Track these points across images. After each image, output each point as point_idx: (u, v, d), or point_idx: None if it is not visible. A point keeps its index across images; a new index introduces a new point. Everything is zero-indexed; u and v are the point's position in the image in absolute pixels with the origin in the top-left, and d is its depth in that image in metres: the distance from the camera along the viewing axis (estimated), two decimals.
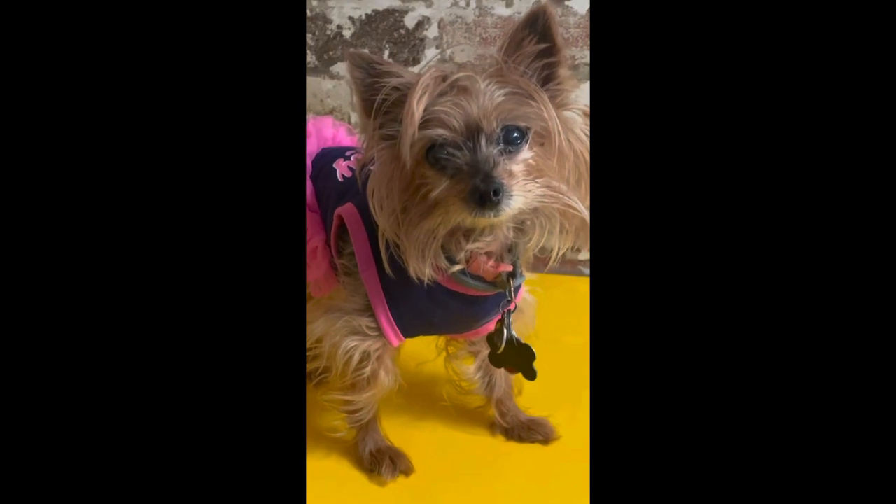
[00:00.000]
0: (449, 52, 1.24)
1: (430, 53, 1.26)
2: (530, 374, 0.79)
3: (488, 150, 0.62)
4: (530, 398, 0.91)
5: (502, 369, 0.88)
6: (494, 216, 0.62)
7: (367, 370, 0.78)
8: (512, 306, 0.76)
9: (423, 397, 0.95)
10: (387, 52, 1.28)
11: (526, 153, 0.64)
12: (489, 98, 0.62)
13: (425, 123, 0.62)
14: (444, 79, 0.63)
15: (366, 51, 1.26)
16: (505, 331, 0.77)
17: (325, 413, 0.88)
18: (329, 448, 0.88)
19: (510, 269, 0.71)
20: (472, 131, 0.62)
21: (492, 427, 0.91)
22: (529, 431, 0.89)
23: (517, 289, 0.74)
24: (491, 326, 0.80)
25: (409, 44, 1.26)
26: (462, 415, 0.93)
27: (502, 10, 1.20)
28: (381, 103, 0.65)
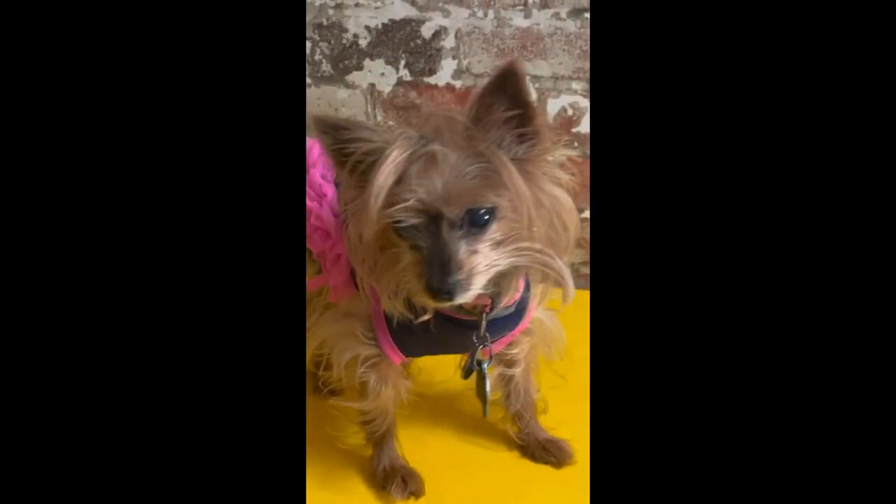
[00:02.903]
0: (466, 62, 1.24)
1: (447, 64, 1.25)
2: (483, 410, 0.80)
3: (449, 236, 0.61)
4: (557, 417, 0.90)
5: (519, 380, 0.87)
6: (448, 302, 0.63)
7: (363, 376, 0.78)
8: (488, 353, 0.75)
9: (440, 406, 0.95)
10: (403, 62, 1.27)
11: (493, 232, 0.63)
12: (454, 179, 0.60)
13: (391, 199, 0.61)
14: (413, 153, 0.61)
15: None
16: (469, 360, 0.76)
17: (339, 423, 0.89)
18: (346, 460, 0.88)
19: (487, 302, 0.70)
20: (434, 216, 0.61)
21: (509, 442, 0.90)
22: (544, 451, 0.88)
23: (503, 318, 0.73)
24: (499, 345, 0.79)
25: (426, 54, 1.26)
26: (479, 426, 0.92)
27: (520, 21, 1.19)
28: (355, 165, 0.64)
